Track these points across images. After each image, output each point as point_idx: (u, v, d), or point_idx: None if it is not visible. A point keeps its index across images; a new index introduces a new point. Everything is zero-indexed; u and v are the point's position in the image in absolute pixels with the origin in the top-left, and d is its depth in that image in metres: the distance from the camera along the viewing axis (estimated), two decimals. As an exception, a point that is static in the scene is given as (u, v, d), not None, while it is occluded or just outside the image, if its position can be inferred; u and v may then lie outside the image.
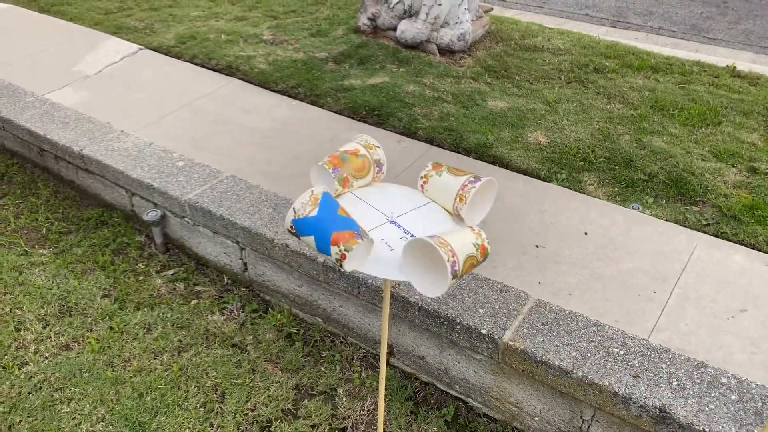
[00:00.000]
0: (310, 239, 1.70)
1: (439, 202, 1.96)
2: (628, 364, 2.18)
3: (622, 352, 2.23)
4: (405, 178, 3.25)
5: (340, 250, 1.64)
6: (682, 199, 3.15)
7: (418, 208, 1.95)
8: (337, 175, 1.88)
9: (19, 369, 2.65)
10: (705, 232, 2.93)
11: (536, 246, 2.82)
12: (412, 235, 1.81)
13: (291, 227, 1.74)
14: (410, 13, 4.69)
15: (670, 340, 2.35)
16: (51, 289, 3.03)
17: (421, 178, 1.99)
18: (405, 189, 2.04)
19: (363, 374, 2.71)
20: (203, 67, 4.49)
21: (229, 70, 4.42)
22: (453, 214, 1.93)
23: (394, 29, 4.76)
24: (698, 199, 3.14)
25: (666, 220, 3.00)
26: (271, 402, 2.55)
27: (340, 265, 1.66)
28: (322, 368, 2.73)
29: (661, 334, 2.37)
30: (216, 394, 2.58)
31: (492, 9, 5.44)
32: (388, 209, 1.91)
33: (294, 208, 1.72)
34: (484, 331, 2.32)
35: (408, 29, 4.62)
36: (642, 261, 2.73)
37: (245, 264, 3.07)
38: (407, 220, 1.88)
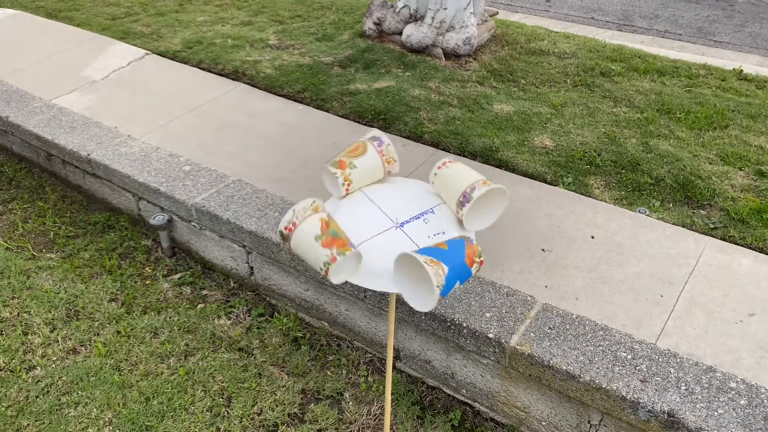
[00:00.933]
0: (456, 286, 1.72)
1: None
2: (635, 369, 2.17)
3: (629, 357, 2.21)
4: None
5: (476, 263, 1.73)
6: (689, 203, 3.14)
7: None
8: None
9: (27, 373, 2.65)
10: (712, 236, 2.91)
11: (543, 250, 2.81)
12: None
13: (440, 298, 1.69)
14: (416, 18, 4.70)
15: (677, 344, 2.33)
16: (58, 293, 3.04)
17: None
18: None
19: (369, 378, 2.70)
20: (210, 71, 4.51)
21: (235, 75, 4.43)
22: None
23: (400, 33, 4.76)
24: (705, 202, 3.13)
25: (673, 224, 2.99)
26: (277, 406, 2.55)
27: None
28: (329, 372, 2.73)
29: (669, 339, 2.36)
30: (222, 398, 2.58)
31: (497, 13, 5.44)
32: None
33: (437, 285, 1.65)
34: (490, 336, 2.31)
35: (413, 33, 4.62)
36: (649, 265, 2.72)
37: (251, 268, 3.07)
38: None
